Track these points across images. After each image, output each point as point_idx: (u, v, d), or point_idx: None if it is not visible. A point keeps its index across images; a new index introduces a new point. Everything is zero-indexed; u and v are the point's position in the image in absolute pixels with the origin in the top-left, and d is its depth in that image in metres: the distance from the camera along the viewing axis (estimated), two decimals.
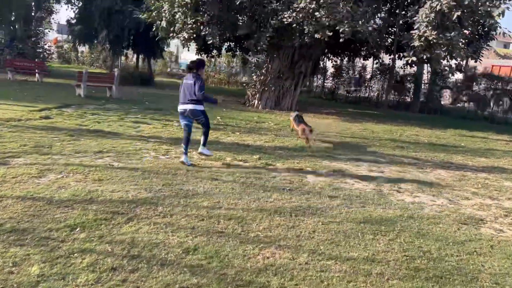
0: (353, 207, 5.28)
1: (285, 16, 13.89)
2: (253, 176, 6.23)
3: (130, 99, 15.02)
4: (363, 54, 19.79)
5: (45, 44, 24.02)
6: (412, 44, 12.16)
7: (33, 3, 22.66)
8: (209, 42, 14.87)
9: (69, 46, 34.10)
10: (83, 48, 33.26)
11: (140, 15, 15.14)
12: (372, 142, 10.72)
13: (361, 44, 15.73)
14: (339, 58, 21.85)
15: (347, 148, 9.50)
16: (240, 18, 15.99)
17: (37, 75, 18.55)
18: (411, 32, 12.06)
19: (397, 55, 15.90)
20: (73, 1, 21.62)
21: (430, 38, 11.52)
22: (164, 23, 14.52)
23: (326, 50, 20.90)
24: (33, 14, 23.13)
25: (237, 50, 20.93)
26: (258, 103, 17.08)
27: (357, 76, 23.42)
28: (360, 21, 12.83)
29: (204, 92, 6.87)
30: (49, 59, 23.99)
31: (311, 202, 5.29)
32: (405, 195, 6.16)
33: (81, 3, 20.90)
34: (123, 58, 29.95)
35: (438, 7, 11.48)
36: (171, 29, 15.28)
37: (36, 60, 19.56)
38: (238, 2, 14.28)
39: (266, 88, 16.91)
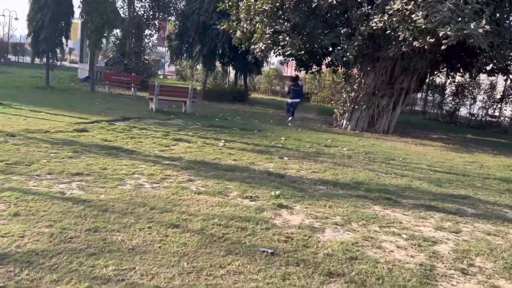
0: None
1: (375, 20, 11.60)
2: (237, 225, 4.36)
3: (203, 115, 14.08)
4: (488, 68, 16.10)
5: (152, 60, 24.92)
6: None
7: (144, 20, 23.63)
8: (287, 53, 13.21)
9: (187, 63, 35.35)
10: (198, 66, 34.18)
11: (219, 26, 14.19)
12: (471, 181, 7.86)
13: (479, 54, 12.49)
14: (459, 74, 18.24)
15: (425, 188, 6.93)
16: (326, 25, 14.06)
17: (132, 89, 18.94)
18: None
19: None
20: (180, 18, 21.81)
21: None
22: (238, 33, 13.31)
23: (444, 64, 17.66)
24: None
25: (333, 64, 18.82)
26: (347, 123, 14.79)
27: None
28: (471, 23, 9.97)
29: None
30: (154, 74, 24.72)
31: (282, 285, 3.25)
32: (474, 281, 3.68)
33: (180, 18, 21.04)
34: (229, 74, 29.94)
35: None
36: (252, 40, 14.01)
37: (132, 74, 20.04)
38: (324, 6, 12.42)
39: (357, 107, 14.57)
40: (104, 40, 21.73)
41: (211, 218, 4.49)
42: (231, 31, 14.60)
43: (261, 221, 4.55)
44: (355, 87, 15.05)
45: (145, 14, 23.67)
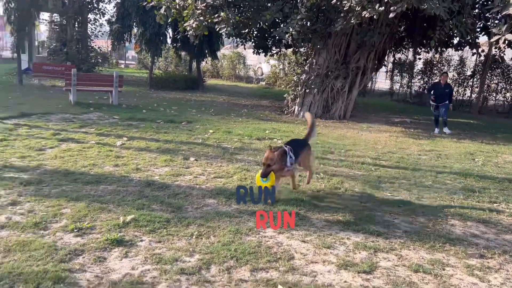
0: None
1: None
2: None
3: (133, 106, 12.28)
4: (454, 42, 14.59)
5: (98, 48, 22.84)
6: (505, 13, 7.34)
7: (86, 4, 21.41)
8: (221, 31, 11.45)
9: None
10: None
11: (145, 3, 12.29)
12: (420, 178, 6.31)
13: (439, 24, 10.85)
14: (424, 49, 16.68)
15: (354, 192, 5.34)
16: None
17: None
18: None
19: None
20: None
21: None
22: (163, 9, 11.47)
23: (408, 39, 16.10)
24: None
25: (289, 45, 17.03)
26: (299, 109, 13.15)
27: None
28: None
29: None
30: (101, 63, 22.67)
31: None
32: None
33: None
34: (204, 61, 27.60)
35: None
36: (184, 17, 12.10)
37: (67, 63, 17.99)
38: None
39: (309, 90, 12.91)
40: (41, 28, 19.60)
41: None
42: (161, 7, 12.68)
43: (50, 281, 2.87)
44: (306, 68, 13.38)
45: None
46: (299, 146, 5.17)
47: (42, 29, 30.07)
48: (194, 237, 3.77)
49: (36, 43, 25.23)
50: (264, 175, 4.52)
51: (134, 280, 2.99)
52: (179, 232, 3.86)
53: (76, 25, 21.66)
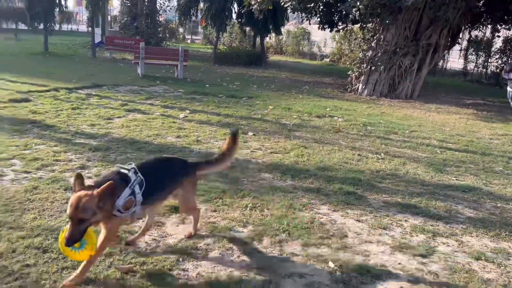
0: None
1: None
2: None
3: (197, 80, 12.54)
4: None
5: (166, 23, 23.46)
6: None
7: None
8: (285, 6, 11.27)
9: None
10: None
11: None
12: (490, 164, 5.93)
13: None
14: (504, 26, 15.40)
15: (416, 175, 5.13)
16: None
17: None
18: None
19: None
20: None
21: None
22: None
23: (487, 15, 14.92)
24: None
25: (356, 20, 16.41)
26: (363, 88, 12.75)
27: None
28: None
29: None
30: (168, 38, 23.31)
31: None
32: None
33: None
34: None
35: None
36: None
37: (137, 37, 18.67)
38: None
39: (375, 68, 12.45)
40: (113, 2, 20.38)
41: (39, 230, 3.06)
42: None
43: None
44: (372, 44, 12.87)
45: None
46: (170, 173, 2.93)
47: (115, 4, 31.46)
48: (248, 208, 3.83)
49: (109, 18, 26.39)
50: (73, 240, 2.30)
51: (189, 246, 3.11)
52: (234, 203, 3.93)
53: (146, 0, 22.36)
